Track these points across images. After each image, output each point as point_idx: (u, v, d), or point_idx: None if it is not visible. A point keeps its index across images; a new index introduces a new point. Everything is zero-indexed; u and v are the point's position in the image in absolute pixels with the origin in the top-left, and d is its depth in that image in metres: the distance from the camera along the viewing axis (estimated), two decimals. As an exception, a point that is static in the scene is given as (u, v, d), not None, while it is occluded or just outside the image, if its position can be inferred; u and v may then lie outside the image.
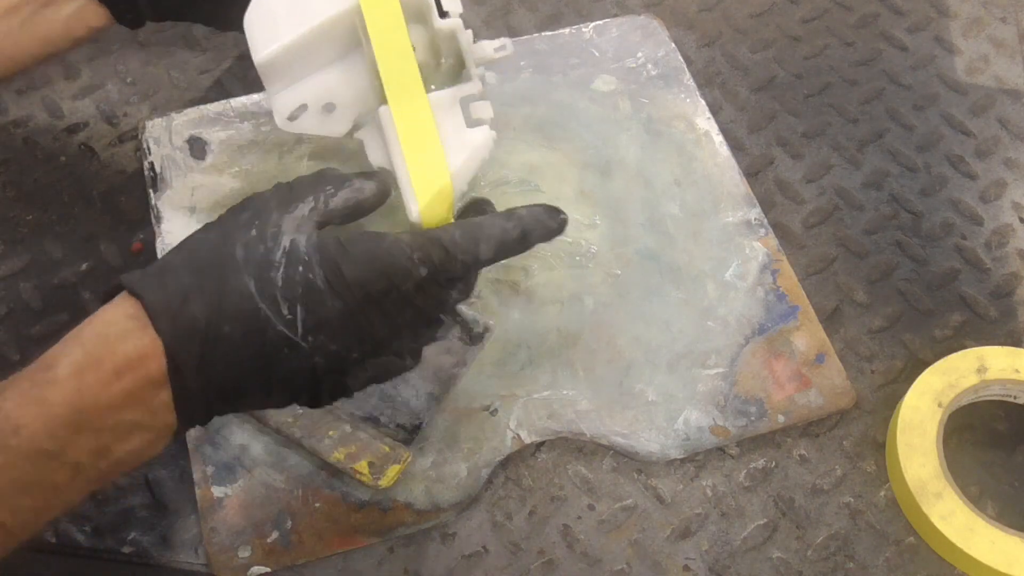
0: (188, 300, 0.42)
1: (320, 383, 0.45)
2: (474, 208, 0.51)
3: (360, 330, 0.44)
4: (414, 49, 0.51)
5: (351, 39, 0.53)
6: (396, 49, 0.51)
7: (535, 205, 0.48)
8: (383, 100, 0.51)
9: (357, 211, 0.47)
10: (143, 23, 0.64)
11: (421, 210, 0.49)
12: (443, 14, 0.53)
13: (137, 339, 0.41)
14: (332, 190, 0.46)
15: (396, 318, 0.45)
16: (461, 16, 0.53)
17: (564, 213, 0.49)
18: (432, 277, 0.45)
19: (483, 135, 0.52)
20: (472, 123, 0.52)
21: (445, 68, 0.54)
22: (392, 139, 0.50)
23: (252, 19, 0.54)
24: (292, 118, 0.55)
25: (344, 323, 0.43)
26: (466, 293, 0.48)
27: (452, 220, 0.50)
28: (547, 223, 0.48)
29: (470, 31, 0.53)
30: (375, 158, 0.53)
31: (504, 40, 0.54)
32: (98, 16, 0.62)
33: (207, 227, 0.45)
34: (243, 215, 0.44)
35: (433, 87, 0.52)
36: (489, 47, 0.54)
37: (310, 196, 0.45)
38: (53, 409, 0.40)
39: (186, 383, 0.42)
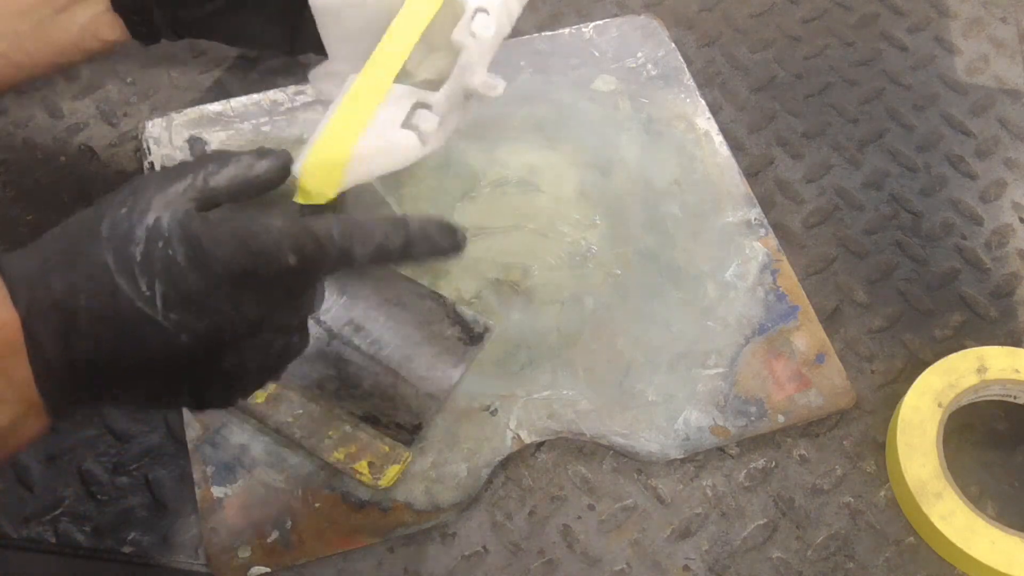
0: (48, 273, 0.41)
1: (194, 371, 0.43)
2: (369, 200, 0.50)
3: (226, 308, 0.42)
4: (421, 39, 0.51)
5: None
6: (406, 31, 0.51)
7: (432, 219, 0.46)
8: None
9: (247, 189, 0.45)
10: (158, 40, 0.63)
11: (304, 167, 0.48)
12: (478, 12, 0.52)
13: None
14: (214, 168, 0.44)
15: (265, 296, 0.43)
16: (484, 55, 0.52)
17: (463, 233, 0.47)
18: (301, 267, 0.43)
19: (407, 140, 0.50)
20: (407, 125, 0.50)
21: (430, 67, 0.54)
22: (336, 100, 0.50)
23: None
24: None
25: (207, 300, 0.41)
26: (340, 265, 0.45)
27: (332, 197, 0.49)
28: (436, 241, 0.46)
29: (476, 55, 0.52)
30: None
31: (500, 82, 0.53)
32: (113, 29, 0.61)
33: (92, 206, 0.44)
34: (121, 194, 0.43)
35: (407, 81, 0.52)
36: (482, 79, 0.52)
37: (190, 174, 0.44)
38: None
39: (46, 355, 0.40)
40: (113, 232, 0.41)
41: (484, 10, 0.52)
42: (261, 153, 0.46)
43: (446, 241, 0.46)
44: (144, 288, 0.41)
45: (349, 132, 0.49)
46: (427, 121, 0.51)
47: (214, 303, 0.42)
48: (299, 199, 0.49)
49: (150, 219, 0.41)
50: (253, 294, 0.43)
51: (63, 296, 0.40)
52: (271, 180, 0.46)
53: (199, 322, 0.42)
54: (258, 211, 0.45)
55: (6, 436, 0.41)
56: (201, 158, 0.45)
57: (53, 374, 0.41)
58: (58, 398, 0.42)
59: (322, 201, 0.49)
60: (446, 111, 0.52)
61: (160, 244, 0.41)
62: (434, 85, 0.52)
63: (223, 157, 0.45)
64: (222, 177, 0.44)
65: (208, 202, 0.44)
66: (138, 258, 0.41)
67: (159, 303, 0.41)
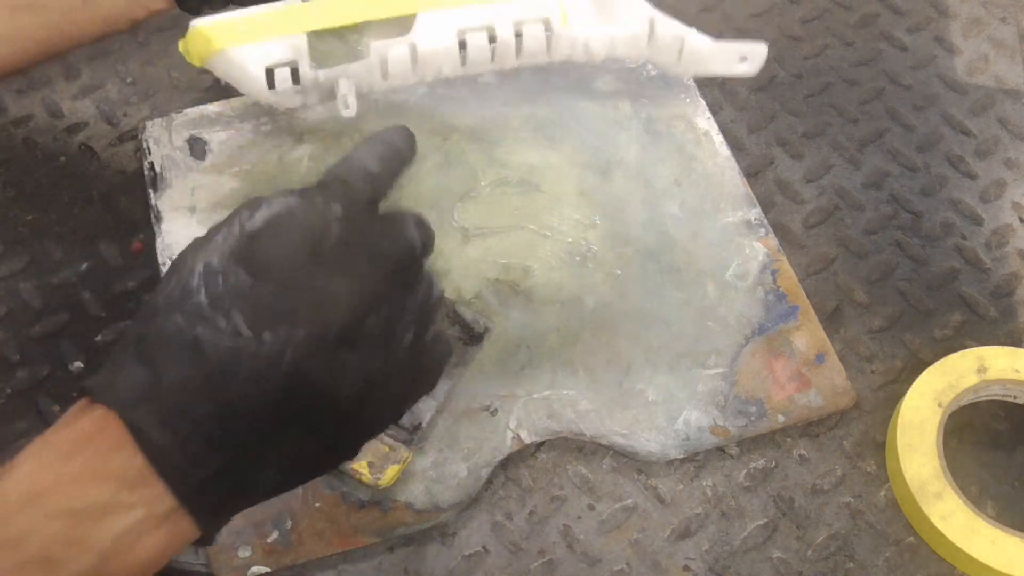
0: (125, 366, 0.37)
1: (316, 403, 0.38)
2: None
3: (313, 300, 0.38)
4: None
5: None
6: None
7: (386, 130, 0.45)
8: None
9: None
10: (201, 10, 0.63)
11: (195, 29, 0.54)
12: None
13: (86, 415, 0.37)
14: (248, 214, 0.40)
15: (345, 272, 0.39)
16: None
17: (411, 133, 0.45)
18: (348, 213, 0.39)
19: (257, 77, 0.56)
20: (271, 69, 0.55)
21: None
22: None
23: None
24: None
25: (287, 301, 0.37)
26: (410, 219, 0.42)
27: (205, 59, 0.54)
28: (391, 139, 0.44)
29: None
30: None
31: (353, 107, 0.56)
32: None
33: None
34: (163, 280, 0.40)
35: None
36: (343, 93, 0.56)
37: (224, 227, 0.40)
38: (9, 493, 0.35)
39: (152, 440, 0.36)
40: (170, 300, 0.38)
41: (415, 48, 0.53)
42: (289, 192, 0.42)
43: (399, 139, 0.45)
44: (224, 324, 0.37)
45: (266, 28, 0.53)
46: (282, 82, 0.55)
47: (296, 300, 0.37)
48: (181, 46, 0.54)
49: (199, 267, 0.38)
50: (328, 272, 0.38)
51: (149, 377, 0.37)
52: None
53: (290, 329, 0.37)
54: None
55: (141, 547, 0.36)
56: (232, 213, 0.41)
57: (169, 461, 0.36)
58: (188, 488, 0.37)
59: (194, 61, 0.54)
60: (304, 87, 0.56)
61: (219, 279, 0.37)
62: (318, 56, 0.55)
63: (255, 201, 0.41)
64: (258, 219, 0.39)
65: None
66: (205, 299, 0.37)
67: (245, 330, 0.37)
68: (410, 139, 0.45)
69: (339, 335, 0.38)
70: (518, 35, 0.52)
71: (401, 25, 0.54)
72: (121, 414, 0.36)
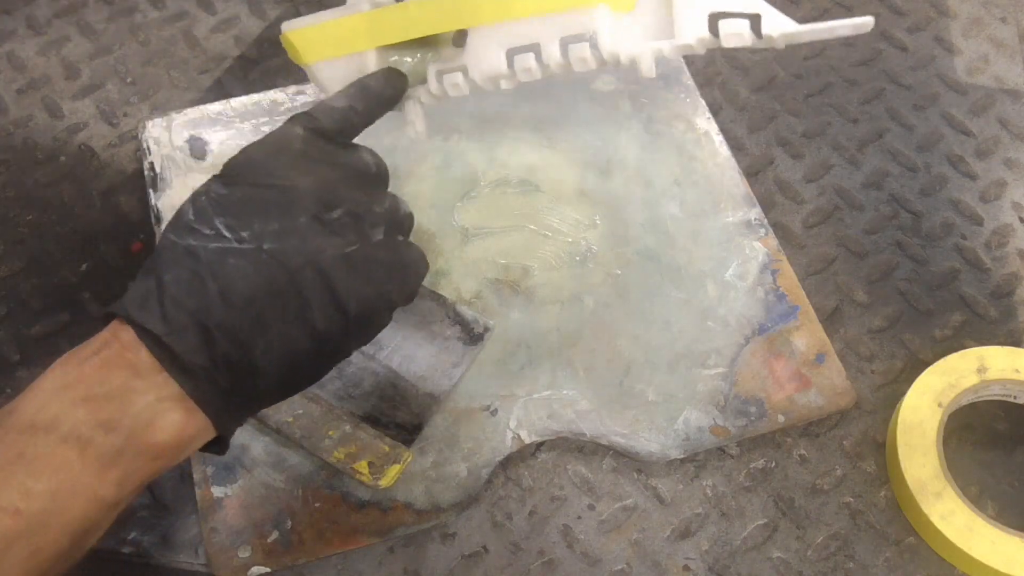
0: (135, 283, 0.43)
1: (303, 278, 0.43)
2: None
3: (280, 196, 0.44)
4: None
5: None
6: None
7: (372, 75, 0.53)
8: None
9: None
10: None
11: (301, 30, 0.54)
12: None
13: (106, 328, 0.43)
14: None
15: (307, 172, 0.46)
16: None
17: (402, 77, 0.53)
18: (308, 135, 0.47)
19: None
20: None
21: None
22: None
23: None
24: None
25: (259, 201, 0.44)
26: (370, 155, 0.49)
27: (301, 63, 0.55)
28: (366, 81, 0.52)
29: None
30: None
31: (422, 130, 0.56)
32: None
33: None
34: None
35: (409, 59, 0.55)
36: (411, 116, 0.56)
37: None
38: (40, 390, 0.41)
39: (153, 334, 0.41)
40: (170, 227, 0.44)
41: (467, 71, 0.53)
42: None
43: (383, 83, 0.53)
44: (207, 230, 0.43)
45: (341, 44, 0.53)
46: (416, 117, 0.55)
47: (268, 201, 0.44)
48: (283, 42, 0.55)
49: (189, 196, 0.45)
50: (297, 173, 0.45)
51: (152, 280, 0.42)
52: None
53: (268, 222, 0.44)
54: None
55: (161, 429, 0.41)
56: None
57: (178, 357, 0.41)
58: (196, 379, 0.42)
59: (296, 60, 0.55)
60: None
61: (203, 197, 0.44)
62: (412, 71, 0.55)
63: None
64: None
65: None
66: (192, 216, 0.44)
67: (225, 231, 0.43)
68: (392, 80, 0.52)
69: (308, 223, 0.44)
70: (564, 52, 0.52)
71: (455, 42, 0.55)
72: (127, 317, 0.41)
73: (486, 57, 0.52)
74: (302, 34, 0.54)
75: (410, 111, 0.55)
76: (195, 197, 0.45)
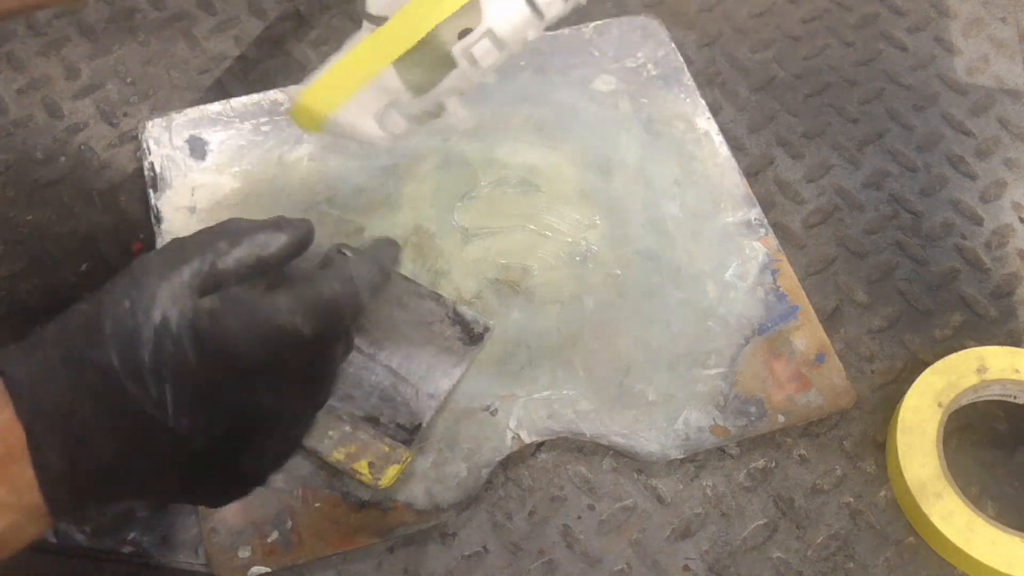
0: (50, 377, 0.38)
1: (209, 471, 0.41)
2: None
3: (244, 405, 0.40)
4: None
5: None
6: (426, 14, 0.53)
7: (376, 241, 0.52)
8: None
9: (259, 268, 0.43)
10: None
11: (306, 92, 0.53)
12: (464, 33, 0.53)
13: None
14: (225, 247, 0.42)
15: (282, 387, 0.41)
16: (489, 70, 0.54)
17: (396, 243, 0.53)
18: (318, 336, 0.42)
19: (371, 129, 0.55)
20: (377, 117, 0.55)
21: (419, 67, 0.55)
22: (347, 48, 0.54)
23: None
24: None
25: (223, 400, 0.39)
26: (349, 347, 0.46)
27: (320, 127, 0.53)
28: (392, 253, 0.51)
29: (464, 80, 0.54)
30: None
31: (468, 117, 0.56)
32: None
33: (89, 296, 0.41)
34: (123, 281, 0.41)
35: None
36: (454, 107, 0.55)
37: (197, 258, 0.41)
38: None
39: (48, 463, 0.38)
40: (117, 331, 0.39)
41: (493, 33, 0.52)
42: (279, 226, 0.44)
43: (394, 249, 0.52)
44: (154, 392, 0.38)
45: (362, 72, 0.53)
46: (395, 125, 0.55)
47: (230, 402, 0.40)
48: (293, 118, 0.54)
49: (156, 317, 0.39)
50: (271, 384, 0.41)
51: (68, 402, 0.38)
52: (287, 256, 0.44)
53: (214, 425, 0.40)
54: (257, 286, 0.43)
55: (6, 539, 0.39)
56: (213, 234, 0.43)
57: (55, 481, 0.38)
58: (63, 503, 0.39)
59: (312, 130, 0.54)
60: (415, 118, 0.55)
61: (169, 345, 0.38)
62: (414, 84, 0.54)
63: (235, 233, 0.43)
64: (231, 259, 0.42)
65: (216, 286, 0.41)
66: (147, 361, 0.38)
67: (170, 408, 0.39)
68: (390, 256, 0.51)
69: (246, 440, 0.41)
70: None
71: (469, 16, 0.53)
72: (27, 426, 0.38)
73: (505, 7, 0.51)
74: (312, 92, 0.53)
75: (452, 105, 0.55)
76: (160, 334, 0.39)
